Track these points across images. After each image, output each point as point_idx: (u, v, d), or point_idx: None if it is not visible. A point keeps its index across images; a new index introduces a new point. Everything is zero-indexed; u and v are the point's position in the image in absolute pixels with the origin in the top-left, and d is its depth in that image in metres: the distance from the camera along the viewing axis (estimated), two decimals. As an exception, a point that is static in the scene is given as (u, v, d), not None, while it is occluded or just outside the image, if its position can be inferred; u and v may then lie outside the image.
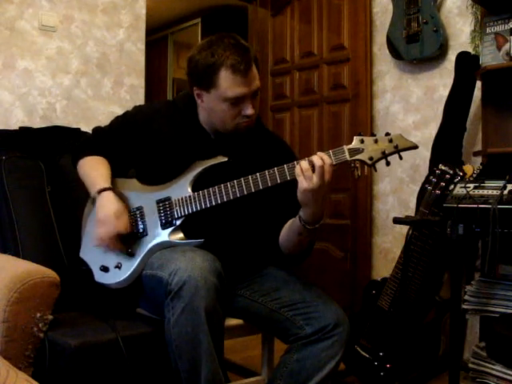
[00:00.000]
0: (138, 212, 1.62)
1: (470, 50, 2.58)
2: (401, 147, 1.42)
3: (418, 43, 2.76)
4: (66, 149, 2.10)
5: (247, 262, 1.69)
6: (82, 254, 1.69)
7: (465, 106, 2.56)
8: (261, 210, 1.63)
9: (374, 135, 1.43)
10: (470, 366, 2.15)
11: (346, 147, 1.42)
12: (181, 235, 1.56)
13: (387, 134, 1.43)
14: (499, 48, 2.38)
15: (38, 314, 1.45)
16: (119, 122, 1.75)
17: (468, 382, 2.15)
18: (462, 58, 2.55)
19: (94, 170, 1.67)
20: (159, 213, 1.59)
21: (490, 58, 2.40)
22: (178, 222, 1.56)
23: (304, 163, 1.38)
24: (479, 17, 2.57)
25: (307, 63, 3.40)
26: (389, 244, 3.02)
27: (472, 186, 2.02)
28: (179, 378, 1.40)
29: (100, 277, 1.61)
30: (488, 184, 2.01)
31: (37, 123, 2.56)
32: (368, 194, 3.09)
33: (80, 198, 1.81)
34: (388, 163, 1.43)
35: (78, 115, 2.72)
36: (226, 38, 1.53)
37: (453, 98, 2.57)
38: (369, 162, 1.41)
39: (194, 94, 1.60)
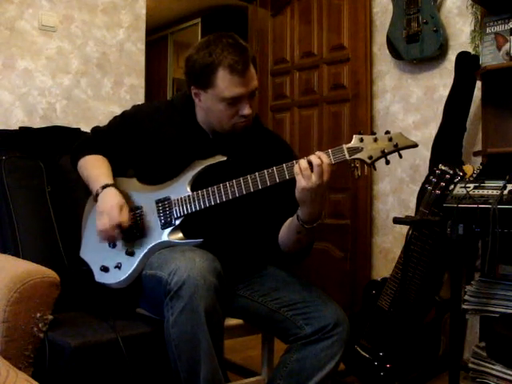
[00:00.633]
0: (137, 212, 1.62)
1: (470, 50, 2.58)
2: (400, 146, 1.42)
3: (418, 43, 2.76)
4: (66, 149, 2.10)
5: (247, 262, 1.69)
6: (82, 254, 1.70)
7: (465, 106, 2.56)
8: (260, 209, 1.63)
9: (374, 134, 1.42)
10: (470, 365, 2.15)
11: (345, 146, 1.41)
12: (180, 235, 1.56)
13: (387, 133, 1.43)
14: (499, 48, 2.38)
15: (38, 314, 1.45)
16: (118, 121, 1.75)
17: (468, 382, 2.15)
18: (462, 58, 2.55)
19: (96, 168, 1.68)
20: (158, 213, 1.59)
21: (490, 58, 2.40)
22: (178, 222, 1.56)
23: (303, 162, 1.38)
24: (479, 17, 2.57)
25: (307, 63, 3.40)
26: (389, 244, 3.02)
27: (472, 185, 2.02)
28: (178, 378, 1.40)
29: (100, 277, 1.61)
30: (488, 184, 2.01)
31: (37, 123, 2.56)
32: (368, 193, 3.09)
33: (80, 197, 1.81)
34: (388, 162, 1.43)
35: (78, 115, 2.72)
36: (224, 38, 1.53)
37: (453, 98, 2.57)
38: (368, 161, 1.40)
39: (192, 93, 1.60)
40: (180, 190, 1.58)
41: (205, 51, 1.52)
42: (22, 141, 2.20)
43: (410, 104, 2.94)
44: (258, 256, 1.70)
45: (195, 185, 1.57)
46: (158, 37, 5.39)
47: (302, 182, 1.38)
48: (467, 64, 2.52)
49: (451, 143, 2.56)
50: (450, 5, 2.77)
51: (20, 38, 2.55)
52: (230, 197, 1.50)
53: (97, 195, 1.60)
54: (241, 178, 1.49)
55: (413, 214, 2.46)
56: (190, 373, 1.38)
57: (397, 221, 2.27)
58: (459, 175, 2.11)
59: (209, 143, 1.65)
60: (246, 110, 1.54)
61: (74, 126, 2.54)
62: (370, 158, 1.41)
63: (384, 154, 1.41)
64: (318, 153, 1.40)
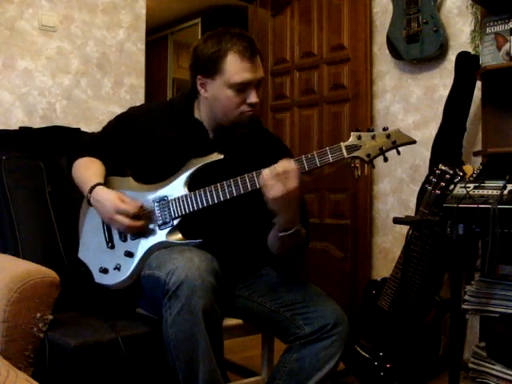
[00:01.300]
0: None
1: (470, 50, 2.58)
2: (399, 142, 1.41)
3: (418, 43, 2.76)
4: (66, 149, 2.10)
5: (245, 262, 1.69)
6: (80, 256, 1.69)
7: (465, 106, 2.56)
8: (259, 209, 1.63)
9: (372, 130, 1.41)
10: (470, 365, 2.15)
11: (343, 144, 1.41)
12: (179, 235, 1.55)
13: (385, 129, 1.42)
14: (499, 48, 2.38)
15: (38, 314, 1.45)
16: (113, 124, 1.75)
17: (468, 382, 2.15)
18: (462, 58, 2.55)
19: (87, 170, 1.66)
20: (156, 212, 1.58)
21: (490, 58, 2.40)
22: (175, 222, 1.55)
23: (266, 172, 1.38)
24: (479, 17, 2.57)
25: (307, 63, 3.40)
26: (389, 244, 3.02)
27: (472, 185, 2.02)
28: (177, 378, 1.40)
29: (100, 278, 1.61)
30: (488, 184, 2.01)
31: (37, 123, 2.56)
32: (368, 193, 3.09)
33: (80, 198, 1.80)
34: (386, 159, 1.42)
35: (78, 115, 2.72)
36: (232, 29, 1.56)
37: (453, 98, 2.57)
38: (366, 158, 1.40)
39: (198, 84, 1.60)
40: (177, 189, 1.56)
41: (213, 40, 1.54)
42: (21, 141, 2.20)
43: (409, 104, 2.94)
44: (256, 256, 1.70)
45: (192, 184, 1.56)
46: (158, 37, 5.39)
47: (266, 193, 1.38)
48: (467, 64, 2.52)
49: (451, 143, 2.56)
50: (450, 5, 2.77)
51: (20, 38, 2.55)
52: (228, 196, 1.49)
53: (88, 200, 1.60)
54: (238, 178, 1.47)
55: (413, 214, 2.46)
56: (188, 373, 1.38)
57: (397, 221, 2.27)
58: (459, 175, 2.11)
59: (207, 142, 1.64)
60: (254, 98, 1.54)
61: (74, 126, 2.54)
62: (368, 155, 1.40)
63: (382, 152, 1.41)
64: (283, 160, 1.39)
